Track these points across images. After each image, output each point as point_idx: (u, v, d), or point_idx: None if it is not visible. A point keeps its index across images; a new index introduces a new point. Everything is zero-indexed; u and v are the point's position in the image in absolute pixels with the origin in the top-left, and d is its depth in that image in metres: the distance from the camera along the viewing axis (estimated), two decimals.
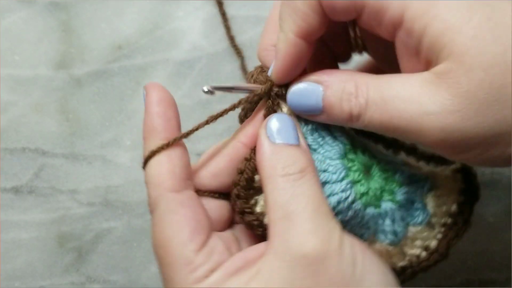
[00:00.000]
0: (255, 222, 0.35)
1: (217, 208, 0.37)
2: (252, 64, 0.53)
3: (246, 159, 0.35)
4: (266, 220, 0.35)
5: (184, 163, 0.35)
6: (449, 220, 0.40)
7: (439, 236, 0.39)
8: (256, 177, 0.35)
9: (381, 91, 0.32)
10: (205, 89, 0.36)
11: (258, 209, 0.36)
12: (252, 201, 0.36)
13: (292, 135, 0.34)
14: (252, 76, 0.38)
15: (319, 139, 0.36)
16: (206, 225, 0.34)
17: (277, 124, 0.35)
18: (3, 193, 0.53)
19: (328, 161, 0.36)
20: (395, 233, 0.37)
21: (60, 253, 0.52)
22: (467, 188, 0.40)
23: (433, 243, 0.39)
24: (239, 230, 0.38)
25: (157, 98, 0.35)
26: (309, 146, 0.36)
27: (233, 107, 0.37)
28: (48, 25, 0.54)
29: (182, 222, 0.33)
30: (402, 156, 0.41)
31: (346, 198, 0.35)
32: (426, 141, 0.31)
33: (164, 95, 0.36)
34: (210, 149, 0.38)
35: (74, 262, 0.52)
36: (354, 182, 0.36)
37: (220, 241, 0.34)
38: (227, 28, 0.53)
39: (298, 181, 0.33)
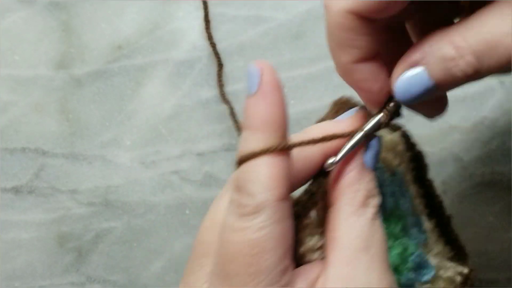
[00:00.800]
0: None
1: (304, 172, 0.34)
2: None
3: (318, 182, 0.32)
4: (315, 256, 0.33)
5: (291, 168, 0.31)
6: None
7: None
8: (312, 214, 0.33)
9: (483, 37, 0.29)
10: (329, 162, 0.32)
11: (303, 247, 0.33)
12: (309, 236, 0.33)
13: (375, 162, 0.33)
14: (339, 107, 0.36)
15: None
16: (293, 246, 0.31)
17: (374, 150, 0.33)
18: (3, 193, 0.53)
19: None
20: None
21: (60, 253, 0.52)
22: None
23: None
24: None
25: (275, 83, 0.30)
26: None
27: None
28: (48, 25, 0.54)
29: (283, 236, 0.30)
30: (430, 225, 0.40)
31: None
32: None
33: (280, 82, 0.30)
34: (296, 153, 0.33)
35: (74, 262, 0.52)
36: None
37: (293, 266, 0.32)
38: (209, 34, 0.53)
39: (376, 216, 0.31)
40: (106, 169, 0.53)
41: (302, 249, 0.33)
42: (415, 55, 0.31)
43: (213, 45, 0.53)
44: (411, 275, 0.36)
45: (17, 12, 0.54)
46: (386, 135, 0.39)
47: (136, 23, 0.54)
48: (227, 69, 0.53)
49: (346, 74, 0.33)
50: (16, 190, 0.53)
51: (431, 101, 0.35)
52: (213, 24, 0.54)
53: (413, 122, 0.52)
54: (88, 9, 0.54)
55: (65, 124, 0.53)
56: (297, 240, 0.32)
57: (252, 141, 0.30)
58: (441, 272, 0.39)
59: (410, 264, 0.36)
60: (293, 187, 0.33)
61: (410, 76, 0.31)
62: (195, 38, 0.54)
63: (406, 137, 0.41)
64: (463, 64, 0.30)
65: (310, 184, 0.33)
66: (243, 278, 0.29)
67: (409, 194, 0.39)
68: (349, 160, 0.32)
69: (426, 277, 0.38)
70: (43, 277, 0.52)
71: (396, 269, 0.35)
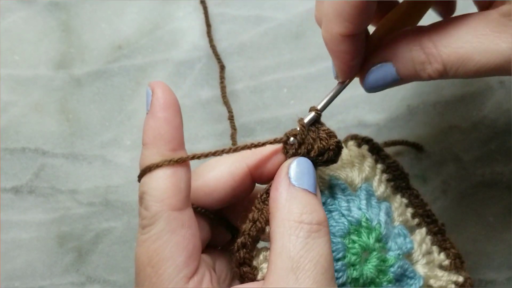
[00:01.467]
0: (250, 275, 0.33)
1: (202, 226, 0.35)
2: (252, 63, 0.53)
3: (258, 209, 0.33)
4: (260, 276, 0.33)
5: (188, 178, 0.33)
6: None
7: None
8: (267, 229, 0.33)
9: (454, 50, 0.31)
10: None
11: (254, 262, 0.34)
12: (255, 252, 0.34)
13: (312, 184, 0.33)
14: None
15: (326, 213, 0.35)
16: (199, 250, 0.32)
17: (301, 167, 0.33)
18: (3, 193, 0.53)
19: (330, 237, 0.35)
20: None
21: (60, 253, 0.52)
22: None
23: None
24: (213, 253, 0.37)
25: (165, 101, 0.32)
26: None
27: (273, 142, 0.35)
28: (48, 25, 0.54)
29: (181, 245, 0.31)
30: (421, 233, 0.41)
31: (337, 278, 0.34)
32: None
33: (172, 99, 0.33)
34: (210, 161, 0.35)
35: (74, 262, 0.52)
36: (348, 265, 0.35)
37: (206, 267, 0.32)
38: (209, 34, 0.53)
39: (313, 233, 0.31)
40: (106, 169, 0.53)
41: (260, 276, 0.33)
42: (386, 52, 0.34)
43: (213, 47, 0.53)
44: (392, 286, 0.36)
45: (17, 12, 0.54)
46: (352, 150, 0.40)
47: (136, 23, 0.54)
48: (226, 69, 0.53)
49: (332, 42, 0.35)
50: (16, 190, 0.53)
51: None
52: (213, 24, 0.54)
53: (413, 122, 0.53)
54: (88, 9, 0.54)
55: (65, 124, 0.53)
56: (254, 269, 0.33)
57: (147, 155, 0.32)
58: (432, 282, 0.39)
59: (390, 276, 0.36)
60: (223, 201, 0.35)
61: (379, 71, 0.34)
62: (195, 38, 0.54)
63: (375, 149, 0.41)
64: (430, 69, 0.32)
65: (252, 211, 0.34)
66: None
67: (384, 206, 0.39)
68: (278, 182, 0.33)
69: (413, 287, 0.38)
70: (43, 277, 0.52)
71: (372, 282, 0.36)
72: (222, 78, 0.52)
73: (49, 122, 0.53)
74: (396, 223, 0.39)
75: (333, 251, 0.34)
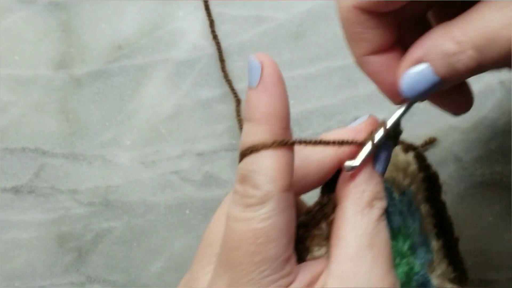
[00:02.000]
0: (302, 255, 0.33)
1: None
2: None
3: (326, 194, 0.33)
4: (309, 256, 0.33)
5: (294, 161, 0.32)
6: None
7: None
8: (323, 225, 0.33)
9: (484, 32, 0.30)
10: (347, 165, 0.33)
11: (307, 243, 0.34)
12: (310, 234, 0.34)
13: (384, 166, 0.33)
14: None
15: None
16: (294, 233, 0.32)
17: (384, 155, 0.33)
18: (3, 193, 0.53)
19: None
20: None
21: (60, 253, 0.52)
22: None
23: None
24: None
25: (277, 76, 0.30)
26: None
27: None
28: (48, 25, 0.54)
29: (287, 226, 0.30)
30: (437, 245, 0.40)
31: None
32: None
33: (281, 74, 0.31)
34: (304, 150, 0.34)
35: (74, 262, 0.52)
36: None
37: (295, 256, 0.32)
38: (213, 33, 0.53)
39: (381, 218, 0.32)
40: (106, 169, 0.53)
41: (309, 257, 0.33)
42: (418, 51, 0.32)
43: (217, 43, 0.53)
44: None
45: (17, 12, 0.54)
46: (399, 155, 0.40)
47: (136, 23, 0.54)
48: (227, 69, 0.53)
49: (360, 66, 0.34)
50: (16, 190, 0.53)
51: (455, 98, 0.36)
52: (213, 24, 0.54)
53: (412, 122, 0.53)
54: (88, 9, 0.54)
55: (65, 124, 0.53)
56: (305, 249, 0.33)
57: (255, 133, 0.30)
58: None
59: (413, 284, 0.36)
60: (305, 189, 0.34)
61: (415, 73, 0.32)
62: (195, 38, 0.54)
63: (420, 158, 0.41)
64: (465, 58, 0.30)
65: (321, 196, 0.34)
66: (246, 267, 0.30)
67: (418, 214, 0.39)
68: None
69: None
70: (43, 277, 0.52)
71: None
72: (224, 72, 0.51)
73: (49, 122, 0.53)
74: (422, 232, 0.39)
75: None
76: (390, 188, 0.38)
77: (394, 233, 0.36)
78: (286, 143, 0.30)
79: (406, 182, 0.39)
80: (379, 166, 0.33)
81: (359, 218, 0.31)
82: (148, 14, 0.54)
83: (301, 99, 0.53)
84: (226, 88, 0.53)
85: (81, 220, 0.52)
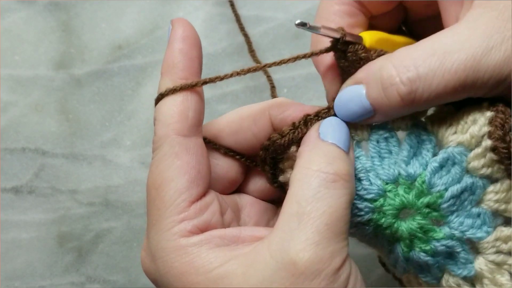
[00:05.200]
0: (269, 175, 0.34)
1: (226, 166, 0.36)
2: (252, 63, 0.53)
3: (294, 125, 0.33)
4: (281, 177, 0.34)
5: (199, 108, 0.34)
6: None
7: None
8: (292, 148, 0.34)
9: (431, 54, 0.30)
10: (297, 22, 0.33)
11: (280, 165, 0.34)
12: (280, 166, 0.34)
13: (344, 141, 0.32)
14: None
15: (384, 151, 0.34)
16: (206, 178, 0.32)
17: (334, 125, 0.33)
18: (3, 193, 0.53)
19: (370, 174, 0.34)
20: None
21: (60, 253, 0.52)
22: None
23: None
24: (245, 200, 0.37)
25: (183, 35, 0.34)
26: (370, 150, 0.34)
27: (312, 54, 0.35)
28: (48, 25, 0.54)
29: (184, 168, 0.31)
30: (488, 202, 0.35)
31: (358, 216, 0.33)
32: (493, 78, 0.29)
33: (191, 33, 0.34)
34: (235, 109, 0.37)
35: (74, 262, 0.52)
36: (376, 210, 0.33)
37: (216, 200, 0.33)
38: (241, 27, 0.53)
39: (328, 183, 0.30)
40: (106, 169, 0.53)
41: (282, 178, 0.34)
42: (360, 73, 0.33)
43: (237, 16, 0.53)
44: (427, 257, 0.34)
45: (17, 12, 0.54)
46: (472, 109, 0.34)
47: (136, 23, 0.54)
48: (226, 69, 0.53)
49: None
50: (16, 190, 0.53)
51: None
52: (213, 24, 0.54)
53: None
54: (88, 9, 0.54)
55: (65, 124, 0.53)
56: (280, 170, 0.34)
57: (161, 84, 0.34)
58: (486, 282, 0.35)
59: (430, 247, 0.34)
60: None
61: (349, 91, 0.33)
62: None
63: (500, 121, 0.34)
64: (400, 85, 0.30)
65: (285, 126, 0.34)
66: (152, 213, 0.31)
67: (472, 181, 0.34)
68: (306, 136, 0.33)
69: (458, 272, 0.34)
70: (43, 277, 0.52)
71: (401, 240, 0.34)
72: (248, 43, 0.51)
73: (49, 122, 0.53)
74: (484, 206, 0.34)
75: (365, 189, 0.33)
76: (425, 135, 0.35)
77: (406, 182, 0.34)
78: (177, 88, 0.33)
79: (457, 138, 0.34)
80: (325, 134, 0.32)
81: (297, 187, 0.30)
82: (148, 14, 0.54)
83: (301, 99, 0.53)
84: (226, 88, 0.53)
85: (81, 220, 0.52)
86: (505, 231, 0.34)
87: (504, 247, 0.34)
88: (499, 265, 0.34)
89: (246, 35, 0.53)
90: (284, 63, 0.34)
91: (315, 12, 0.53)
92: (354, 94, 0.32)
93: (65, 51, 0.54)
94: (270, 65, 0.34)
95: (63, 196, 0.53)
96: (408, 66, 0.30)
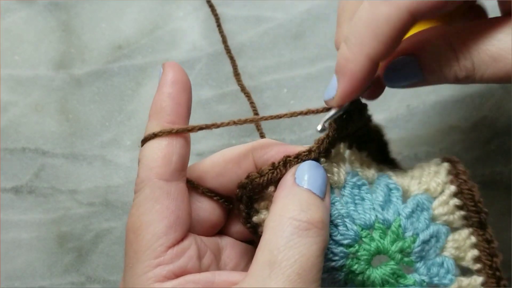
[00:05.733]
0: (244, 215, 0.34)
1: (209, 208, 0.36)
2: (252, 63, 0.53)
3: (273, 166, 0.33)
4: (255, 218, 0.34)
5: (183, 153, 0.34)
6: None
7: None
8: (270, 188, 0.34)
9: (487, 48, 0.30)
10: (319, 128, 0.34)
11: (255, 205, 0.34)
12: (256, 206, 0.34)
13: (319, 187, 0.32)
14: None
15: (357, 197, 0.35)
16: (185, 223, 0.32)
17: (310, 170, 0.33)
18: (3, 193, 0.53)
19: (346, 220, 0.34)
20: None
21: (60, 253, 0.52)
22: None
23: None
24: (225, 242, 0.37)
25: (173, 79, 0.34)
26: (344, 196, 0.35)
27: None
28: (48, 25, 0.54)
29: (163, 213, 0.31)
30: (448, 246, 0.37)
31: (333, 261, 0.34)
32: None
33: (181, 77, 0.34)
34: (220, 151, 0.36)
35: (74, 262, 0.52)
36: (351, 256, 0.34)
37: (194, 245, 0.32)
38: (221, 32, 0.53)
39: (301, 231, 0.30)
40: (106, 169, 0.53)
41: (255, 219, 0.34)
42: (412, 45, 0.33)
43: (224, 40, 0.52)
44: None
45: (17, 12, 0.54)
46: (431, 164, 0.38)
47: (136, 23, 0.54)
48: (226, 69, 0.53)
49: (355, 64, 0.33)
50: (16, 190, 0.53)
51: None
52: (213, 24, 0.54)
53: (412, 123, 0.53)
54: (88, 9, 0.54)
55: (65, 124, 0.53)
56: (254, 210, 0.34)
57: (148, 127, 0.34)
58: None
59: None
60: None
61: (402, 61, 0.33)
62: (195, 38, 0.54)
63: (456, 172, 0.39)
64: (458, 67, 0.31)
65: (265, 165, 0.34)
66: (129, 256, 0.31)
67: (438, 229, 0.36)
68: (282, 181, 0.33)
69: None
70: (43, 277, 0.52)
71: (373, 286, 0.35)
72: (235, 68, 0.51)
73: (49, 122, 0.53)
74: (447, 254, 0.36)
75: (341, 235, 0.34)
76: (393, 184, 0.37)
77: (382, 227, 0.35)
78: (170, 133, 0.33)
79: (422, 187, 0.37)
80: (301, 180, 0.32)
81: (270, 234, 0.30)
82: (148, 14, 0.54)
83: (301, 99, 0.53)
84: (226, 88, 0.53)
85: (81, 220, 0.52)
86: (465, 280, 0.36)
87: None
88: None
89: (229, 52, 0.52)
90: (280, 117, 0.34)
91: (315, 13, 0.53)
92: (407, 66, 0.33)
93: (65, 51, 0.54)
94: (266, 118, 0.34)
95: (63, 196, 0.53)
96: (465, 53, 0.31)
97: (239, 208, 0.35)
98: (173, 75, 0.34)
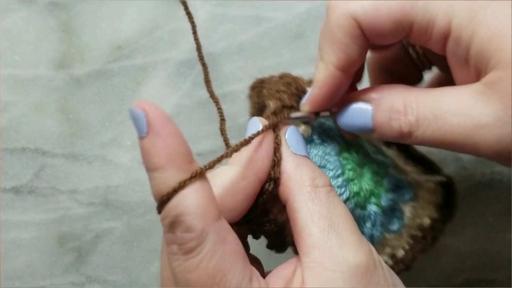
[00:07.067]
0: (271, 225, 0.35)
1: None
2: (252, 63, 0.53)
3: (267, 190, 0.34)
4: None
5: (211, 188, 0.31)
6: (419, 234, 0.40)
7: (406, 247, 0.40)
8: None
9: (431, 106, 0.31)
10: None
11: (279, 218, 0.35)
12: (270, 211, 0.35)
13: (306, 149, 0.35)
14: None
15: (318, 136, 0.37)
16: (245, 251, 0.32)
17: (295, 136, 0.35)
18: (3, 193, 0.53)
19: (326, 157, 0.36)
20: (371, 237, 0.38)
21: (60, 253, 0.52)
22: (444, 205, 0.40)
23: (400, 253, 0.39)
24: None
25: (162, 118, 0.30)
26: (309, 141, 0.36)
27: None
28: (48, 25, 0.54)
29: (235, 251, 0.30)
30: (393, 152, 0.41)
31: (341, 195, 0.35)
32: (482, 153, 0.31)
33: (165, 113, 0.30)
34: (221, 182, 0.34)
35: (74, 262, 0.52)
36: (348, 180, 0.36)
37: (252, 265, 0.32)
38: (194, 33, 0.52)
39: (330, 193, 0.33)
40: (106, 169, 0.53)
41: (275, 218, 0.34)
42: (372, 93, 0.34)
43: (198, 44, 0.52)
44: (391, 195, 0.38)
45: (17, 12, 0.54)
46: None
47: (136, 23, 0.54)
48: (226, 69, 0.53)
49: (321, 71, 0.34)
50: (16, 190, 0.53)
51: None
52: (213, 24, 0.54)
53: None
54: (88, 9, 0.54)
55: (65, 124, 0.53)
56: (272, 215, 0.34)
57: (167, 178, 0.29)
58: (420, 187, 0.40)
59: (386, 185, 0.38)
60: (238, 216, 0.34)
61: (358, 108, 0.34)
62: None
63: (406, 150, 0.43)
64: (403, 120, 0.32)
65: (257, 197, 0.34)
66: None
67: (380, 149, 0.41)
68: (280, 160, 0.34)
69: (407, 196, 0.39)
70: (43, 277, 0.52)
71: (372, 193, 0.37)
72: (206, 74, 0.50)
73: (49, 122, 0.53)
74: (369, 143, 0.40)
75: (331, 169, 0.36)
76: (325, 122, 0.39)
77: (344, 146, 0.37)
78: (198, 174, 0.29)
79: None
80: (296, 147, 0.34)
81: (310, 205, 0.32)
82: (148, 14, 0.54)
83: None
84: (226, 88, 0.53)
85: (81, 220, 0.53)
86: (390, 152, 0.42)
87: (401, 160, 0.41)
88: (415, 172, 0.41)
89: (202, 59, 0.51)
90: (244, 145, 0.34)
91: (315, 13, 0.53)
92: (362, 111, 0.34)
93: (65, 51, 0.54)
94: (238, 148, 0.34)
95: (63, 196, 0.53)
96: (413, 108, 0.32)
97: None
98: (158, 113, 0.30)
